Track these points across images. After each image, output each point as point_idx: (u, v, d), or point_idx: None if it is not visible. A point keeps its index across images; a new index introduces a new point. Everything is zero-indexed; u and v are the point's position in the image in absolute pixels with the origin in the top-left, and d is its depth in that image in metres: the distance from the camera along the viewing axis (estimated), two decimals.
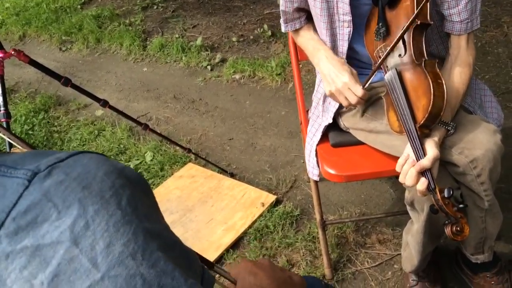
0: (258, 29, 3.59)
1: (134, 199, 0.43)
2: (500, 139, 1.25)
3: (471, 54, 1.36)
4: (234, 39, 3.57)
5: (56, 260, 0.37)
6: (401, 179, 1.21)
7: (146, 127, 2.12)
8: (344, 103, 1.36)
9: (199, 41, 3.54)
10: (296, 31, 1.56)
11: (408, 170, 1.17)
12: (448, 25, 1.33)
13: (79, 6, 4.74)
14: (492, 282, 1.53)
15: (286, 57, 3.17)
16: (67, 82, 1.87)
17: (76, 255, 0.38)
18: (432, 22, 1.24)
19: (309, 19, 1.56)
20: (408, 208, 1.44)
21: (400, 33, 1.20)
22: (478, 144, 1.23)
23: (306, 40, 1.53)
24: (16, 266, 0.37)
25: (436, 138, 1.20)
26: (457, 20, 1.30)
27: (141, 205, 0.44)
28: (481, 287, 1.57)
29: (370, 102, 1.50)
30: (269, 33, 3.50)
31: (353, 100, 1.32)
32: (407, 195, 1.37)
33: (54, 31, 4.30)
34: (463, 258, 1.61)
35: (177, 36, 3.80)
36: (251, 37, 3.56)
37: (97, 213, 0.40)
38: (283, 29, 1.56)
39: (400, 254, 1.85)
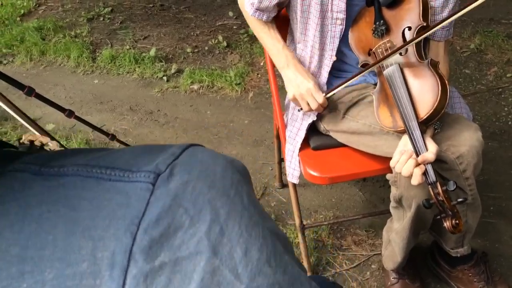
0: (212, 40, 3.58)
1: (251, 195, 0.39)
2: (481, 136, 1.32)
3: (447, 60, 1.44)
4: (188, 50, 3.53)
5: (198, 274, 0.33)
6: (397, 168, 1.24)
7: (113, 137, 2.04)
8: (305, 108, 1.46)
9: (152, 52, 3.48)
10: (260, 21, 1.51)
11: (406, 160, 1.21)
12: None
13: (18, 18, 4.51)
14: (470, 274, 1.61)
15: (244, 67, 3.19)
16: (30, 91, 1.77)
17: (217, 266, 0.34)
18: None
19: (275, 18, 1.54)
20: (392, 205, 1.48)
21: (411, 38, 1.28)
22: (463, 141, 1.29)
23: (271, 39, 1.51)
24: (157, 287, 0.32)
25: (429, 136, 1.26)
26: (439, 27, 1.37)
27: (256, 201, 0.40)
28: (459, 280, 1.64)
29: (351, 104, 1.53)
30: (225, 44, 3.50)
31: (314, 105, 1.43)
32: (394, 192, 1.40)
33: None
34: (440, 253, 1.67)
35: (128, 47, 3.70)
36: (206, 48, 3.54)
37: (228, 215, 0.36)
38: (250, 13, 1.48)
39: (376, 254, 1.90)
